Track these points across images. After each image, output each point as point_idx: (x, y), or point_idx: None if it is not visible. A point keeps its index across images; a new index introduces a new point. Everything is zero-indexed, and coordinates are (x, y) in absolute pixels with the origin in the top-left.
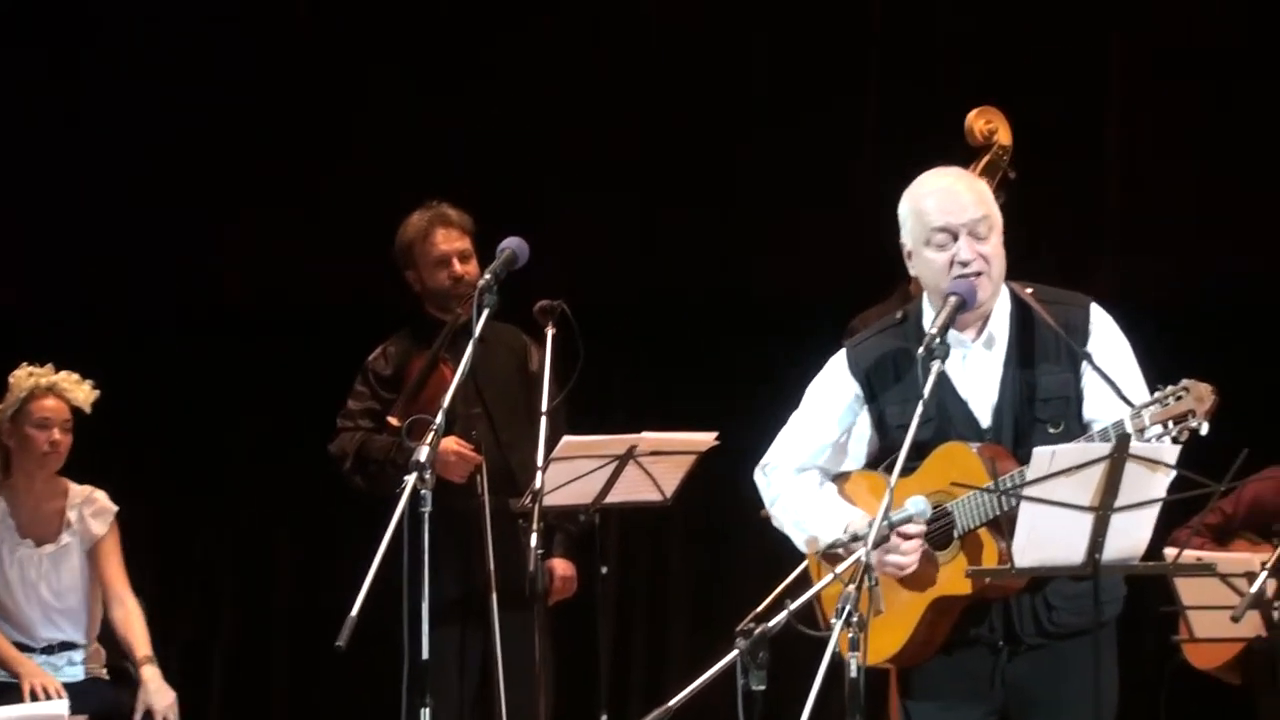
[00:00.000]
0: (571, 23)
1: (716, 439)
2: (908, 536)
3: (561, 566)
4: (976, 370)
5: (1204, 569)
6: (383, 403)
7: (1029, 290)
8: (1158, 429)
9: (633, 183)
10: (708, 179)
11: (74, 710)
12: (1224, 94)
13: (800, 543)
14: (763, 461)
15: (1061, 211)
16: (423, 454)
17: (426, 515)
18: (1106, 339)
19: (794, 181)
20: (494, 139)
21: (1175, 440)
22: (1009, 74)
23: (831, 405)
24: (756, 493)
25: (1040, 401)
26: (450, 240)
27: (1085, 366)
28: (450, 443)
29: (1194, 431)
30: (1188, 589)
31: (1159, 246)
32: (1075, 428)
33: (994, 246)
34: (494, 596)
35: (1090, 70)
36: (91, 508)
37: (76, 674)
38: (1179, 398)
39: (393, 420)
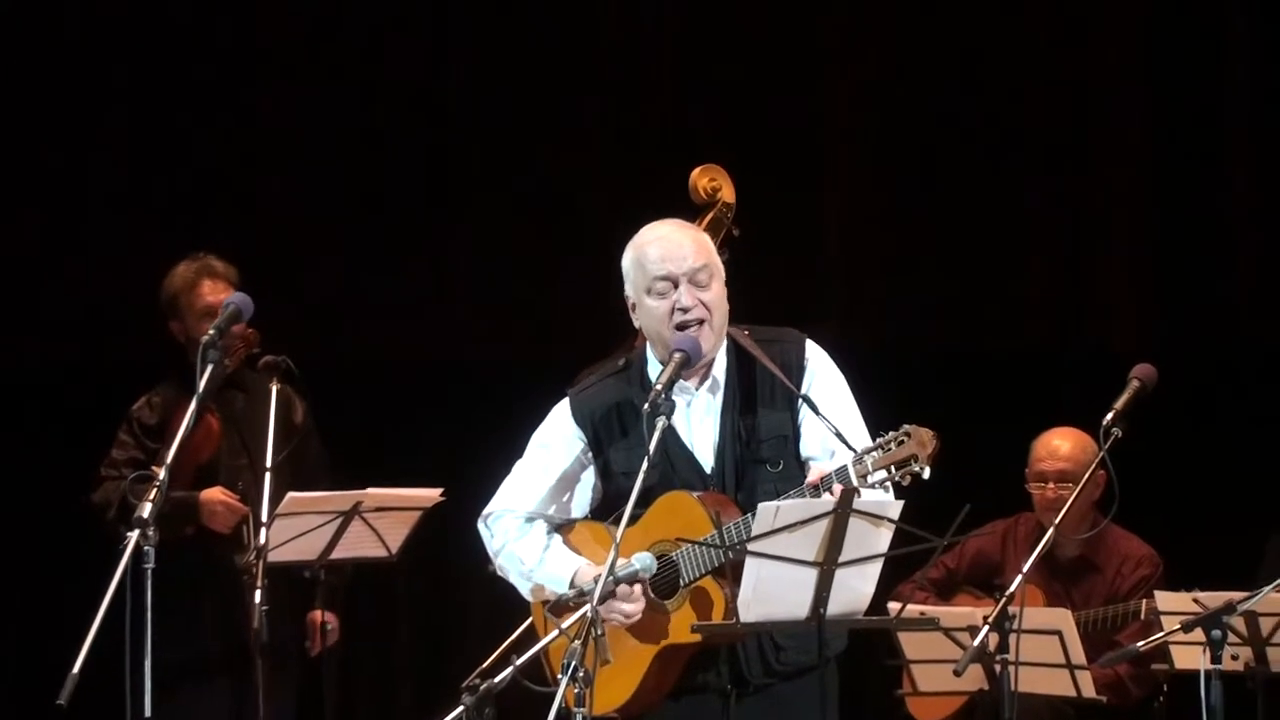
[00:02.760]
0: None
1: (442, 495)
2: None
3: (327, 619)
4: (699, 416)
5: (927, 623)
6: (147, 452)
7: (745, 333)
8: (881, 474)
9: (365, 240)
10: (442, 236)
11: None
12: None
13: (526, 592)
14: (485, 512)
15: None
16: (145, 510)
17: (149, 571)
18: (822, 373)
19: (524, 235)
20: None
21: (899, 485)
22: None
23: (555, 453)
24: (484, 547)
25: (759, 442)
26: (217, 292)
27: (801, 403)
28: (216, 493)
29: (916, 476)
30: (911, 643)
31: (873, 303)
32: (794, 465)
33: (715, 294)
34: (259, 650)
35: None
36: None
37: None
38: (901, 443)
39: (157, 469)
